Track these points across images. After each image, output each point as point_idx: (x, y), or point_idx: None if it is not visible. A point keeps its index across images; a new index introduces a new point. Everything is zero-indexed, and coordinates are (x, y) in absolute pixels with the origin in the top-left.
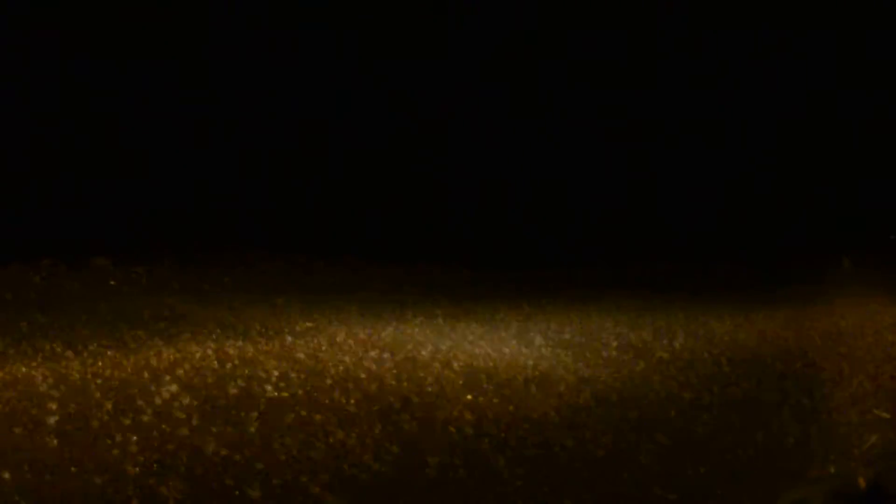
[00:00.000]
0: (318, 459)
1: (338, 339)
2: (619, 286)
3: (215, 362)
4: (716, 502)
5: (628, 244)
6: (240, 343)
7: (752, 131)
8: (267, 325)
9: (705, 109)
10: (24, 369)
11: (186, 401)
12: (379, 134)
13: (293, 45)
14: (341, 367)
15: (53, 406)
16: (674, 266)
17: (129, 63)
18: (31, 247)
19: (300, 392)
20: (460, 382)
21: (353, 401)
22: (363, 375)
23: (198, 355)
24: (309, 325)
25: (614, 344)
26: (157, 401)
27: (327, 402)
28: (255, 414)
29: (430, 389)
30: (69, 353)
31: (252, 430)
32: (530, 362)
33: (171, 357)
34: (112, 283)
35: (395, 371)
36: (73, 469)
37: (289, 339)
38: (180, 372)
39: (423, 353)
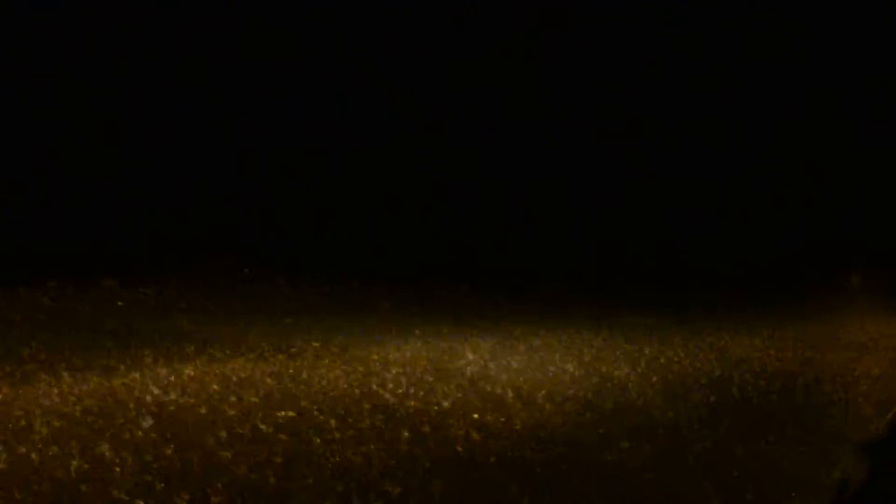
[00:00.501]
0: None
1: (344, 358)
2: (628, 303)
3: (222, 379)
4: None
5: (630, 250)
6: (250, 365)
7: (752, 131)
8: (275, 345)
9: (705, 109)
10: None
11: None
12: (379, 134)
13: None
14: (347, 386)
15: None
16: (684, 277)
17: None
18: (38, 267)
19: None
20: (467, 400)
21: (362, 419)
22: (368, 394)
23: (208, 372)
24: (316, 344)
25: (623, 360)
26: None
27: (333, 422)
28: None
29: (436, 408)
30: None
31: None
32: (539, 376)
33: (181, 374)
34: (120, 303)
35: (400, 391)
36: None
37: (297, 358)
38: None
39: (429, 370)
